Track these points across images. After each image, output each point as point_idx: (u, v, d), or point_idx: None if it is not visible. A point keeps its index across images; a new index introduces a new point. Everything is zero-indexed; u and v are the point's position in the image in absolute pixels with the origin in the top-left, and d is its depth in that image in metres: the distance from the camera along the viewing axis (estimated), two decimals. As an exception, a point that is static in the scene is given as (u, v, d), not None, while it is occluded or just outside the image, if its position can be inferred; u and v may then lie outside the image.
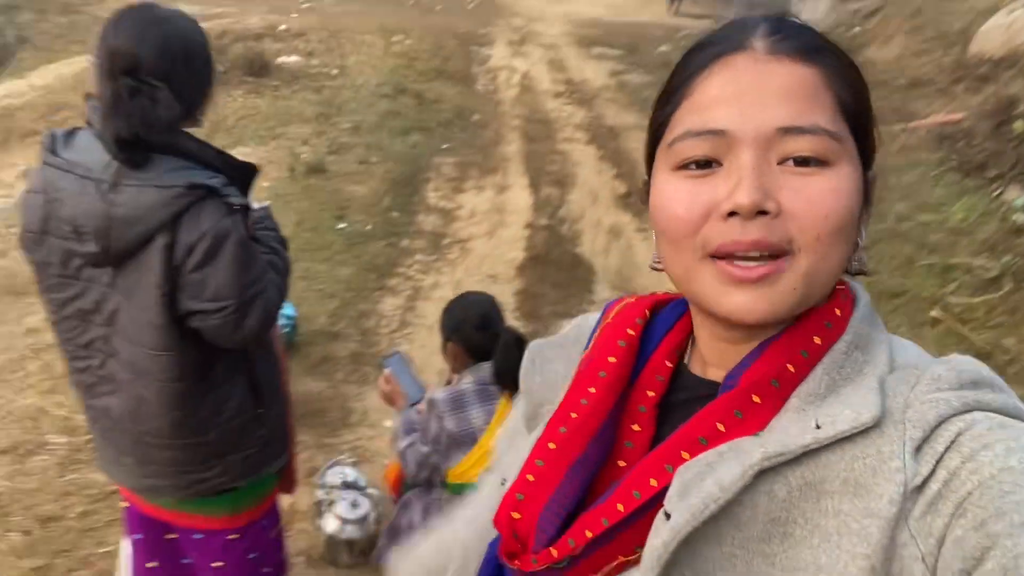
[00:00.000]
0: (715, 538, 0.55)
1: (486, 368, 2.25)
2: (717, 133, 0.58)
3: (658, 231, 0.63)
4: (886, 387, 0.57)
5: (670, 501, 0.56)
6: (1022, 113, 5.86)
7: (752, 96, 0.57)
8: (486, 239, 5.45)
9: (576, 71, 12.06)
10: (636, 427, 0.66)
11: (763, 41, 0.59)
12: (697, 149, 0.59)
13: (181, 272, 1.47)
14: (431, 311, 4.43)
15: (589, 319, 0.79)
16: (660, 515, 0.56)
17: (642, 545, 0.56)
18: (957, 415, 0.53)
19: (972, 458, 0.51)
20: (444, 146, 7.40)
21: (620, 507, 0.58)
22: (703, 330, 0.67)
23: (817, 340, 0.60)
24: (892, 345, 0.62)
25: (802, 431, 0.55)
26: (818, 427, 0.55)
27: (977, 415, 0.53)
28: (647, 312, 0.72)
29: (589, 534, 0.58)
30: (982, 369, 0.57)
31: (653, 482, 0.58)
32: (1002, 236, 4.50)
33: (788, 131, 0.56)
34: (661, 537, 0.55)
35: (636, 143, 8.27)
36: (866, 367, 0.59)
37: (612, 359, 0.68)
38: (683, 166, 0.60)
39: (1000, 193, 5.06)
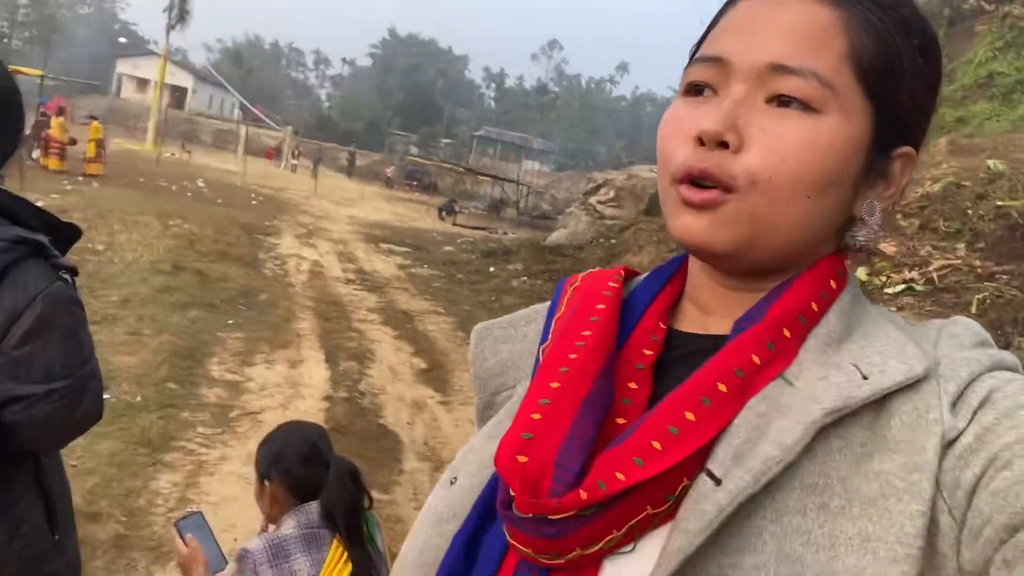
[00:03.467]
0: (748, 509, 0.50)
1: (313, 508, 1.90)
2: (717, 60, 0.58)
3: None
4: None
5: (720, 465, 0.51)
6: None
7: (757, 28, 0.57)
8: (280, 411, 4.96)
9: (366, 263, 12.27)
10: (633, 384, 0.60)
11: None
12: (700, 74, 0.59)
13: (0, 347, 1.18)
14: (217, 487, 3.83)
15: (538, 305, 0.74)
16: (704, 479, 0.51)
17: (673, 494, 0.51)
18: (987, 372, 0.53)
19: (1009, 416, 0.50)
20: (230, 321, 6.91)
21: (656, 444, 0.51)
22: (707, 278, 0.64)
23: (833, 284, 0.60)
24: (875, 305, 0.63)
25: (850, 382, 0.52)
26: (865, 377, 0.52)
27: (1007, 374, 0.53)
28: (622, 273, 0.70)
29: (621, 477, 0.51)
30: (982, 328, 0.59)
31: (689, 415, 0.52)
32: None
33: (778, 68, 0.55)
34: (715, 503, 0.49)
35: (431, 325, 8.36)
36: (864, 317, 0.59)
37: (600, 306, 0.64)
38: (688, 90, 0.60)
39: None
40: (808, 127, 0.54)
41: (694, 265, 0.65)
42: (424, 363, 6.71)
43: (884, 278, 7.89)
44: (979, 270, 7.33)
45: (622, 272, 0.70)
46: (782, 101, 0.55)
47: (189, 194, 17.00)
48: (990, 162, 9.00)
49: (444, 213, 25.70)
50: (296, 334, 6.96)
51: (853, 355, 0.55)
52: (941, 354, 0.55)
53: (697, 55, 0.60)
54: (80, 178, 15.61)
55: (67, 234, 1.40)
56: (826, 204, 0.57)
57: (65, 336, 1.24)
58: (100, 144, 17.36)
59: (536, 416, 0.56)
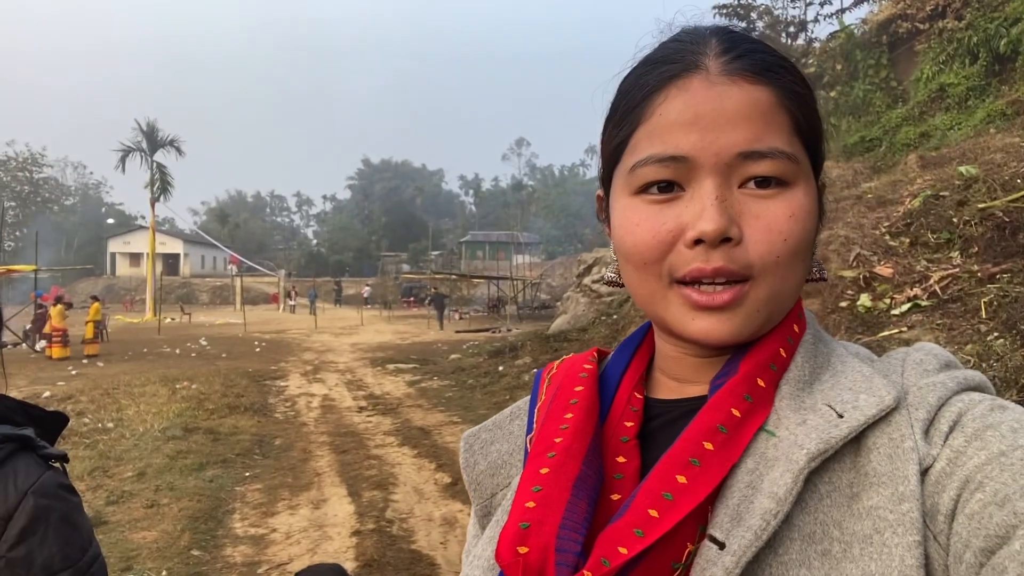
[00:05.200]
0: (754, 570, 0.50)
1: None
2: (679, 159, 0.57)
3: (622, 255, 0.62)
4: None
5: (720, 528, 0.51)
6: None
7: (710, 120, 0.57)
8: (308, 557, 4.80)
9: (376, 387, 12.19)
10: (621, 459, 0.61)
11: (716, 61, 0.58)
12: (659, 174, 0.58)
13: None
14: (254, 652, 3.64)
15: (520, 401, 0.76)
16: (707, 545, 0.51)
17: (679, 562, 0.51)
18: (955, 395, 0.55)
19: (978, 437, 0.51)
20: (247, 474, 6.78)
21: (653, 512, 0.51)
22: (676, 350, 0.65)
23: (796, 328, 0.62)
24: (837, 340, 0.64)
25: (827, 422, 0.53)
26: (840, 415, 0.53)
27: (975, 395, 0.55)
28: (595, 354, 0.71)
29: (624, 550, 0.50)
30: (946, 351, 0.61)
31: (681, 479, 0.53)
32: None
33: (748, 156, 0.56)
34: (722, 567, 0.49)
35: (450, 437, 8.22)
36: (832, 356, 0.61)
37: (579, 388, 0.65)
38: (644, 189, 0.59)
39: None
40: (790, 201, 0.57)
41: (662, 341, 0.66)
42: (448, 477, 6.55)
43: (888, 300, 7.83)
44: (979, 274, 7.29)
45: (595, 353, 0.71)
46: (759, 182, 0.57)
47: (193, 355, 17.09)
48: (962, 169, 9.13)
49: (431, 305, 26.05)
50: (315, 473, 6.82)
51: (825, 395, 0.56)
52: (908, 382, 0.56)
53: (651, 155, 0.58)
54: (84, 361, 15.75)
55: (54, 423, 1.41)
56: (810, 259, 0.61)
57: (61, 526, 1.23)
58: (98, 325, 17.61)
59: (530, 504, 0.56)
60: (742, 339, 0.58)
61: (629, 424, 0.63)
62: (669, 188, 0.58)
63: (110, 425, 8.72)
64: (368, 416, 9.66)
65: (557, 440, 0.60)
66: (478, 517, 0.70)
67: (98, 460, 7.09)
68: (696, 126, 0.57)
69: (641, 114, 0.60)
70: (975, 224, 7.96)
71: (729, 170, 0.57)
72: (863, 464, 0.52)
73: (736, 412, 0.55)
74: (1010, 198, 7.91)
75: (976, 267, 7.38)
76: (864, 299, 8.05)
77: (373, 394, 11.45)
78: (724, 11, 17.10)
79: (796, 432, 0.54)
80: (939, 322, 6.85)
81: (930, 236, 8.26)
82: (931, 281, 7.60)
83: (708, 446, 0.54)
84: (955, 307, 6.99)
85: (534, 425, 0.67)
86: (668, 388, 0.66)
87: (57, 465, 1.33)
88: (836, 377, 0.58)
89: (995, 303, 6.52)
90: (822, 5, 17.34)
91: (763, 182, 0.57)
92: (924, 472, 0.51)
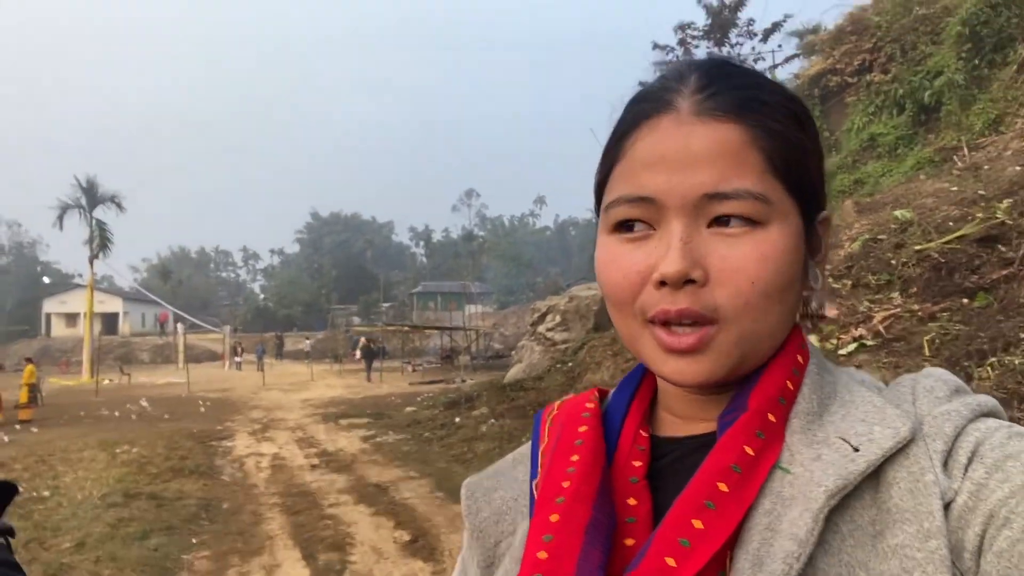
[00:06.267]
0: None
1: None
2: (646, 200, 0.58)
3: (603, 293, 0.62)
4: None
5: (742, 575, 0.49)
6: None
7: (676, 161, 0.57)
8: (263, 627, 4.56)
9: (329, 443, 11.85)
10: (632, 501, 0.59)
11: (689, 100, 0.58)
12: (629, 214, 0.59)
13: None
14: None
15: (521, 447, 0.74)
16: None
17: None
18: (970, 423, 0.54)
19: (999, 468, 0.50)
20: (194, 540, 6.46)
21: (670, 561, 0.50)
22: (682, 392, 0.64)
23: (800, 359, 0.61)
24: (840, 368, 0.63)
25: (843, 457, 0.52)
26: (856, 449, 0.52)
27: (991, 422, 0.54)
28: (596, 393, 0.70)
29: None
30: (954, 376, 0.60)
31: (697, 523, 0.51)
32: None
33: (713, 197, 0.56)
34: None
35: (408, 492, 8.01)
36: (837, 385, 0.60)
37: (583, 428, 0.64)
38: (618, 228, 0.60)
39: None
40: (760, 242, 0.56)
41: (663, 381, 0.65)
42: (408, 534, 6.36)
43: (835, 340, 8.03)
44: (920, 313, 7.55)
45: (596, 392, 0.70)
46: (727, 223, 0.56)
47: (134, 417, 16.39)
48: (897, 213, 9.54)
49: (362, 355, 25.67)
50: (267, 537, 6.54)
51: (837, 427, 0.55)
52: (922, 412, 0.55)
53: (620, 196, 0.59)
54: (17, 427, 14.95)
55: (1, 493, 1.32)
56: (792, 298, 0.60)
57: None
58: (33, 388, 16.82)
59: (542, 555, 0.54)
60: (717, 379, 0.57)
61: (637, 464, 0.61)
62: (641, 227, 0.58)
63: (46, 493, 8.25)
64: (321, 474, 9.36)
65: (565, 484, 0.59)
66: (481, 568, 0.67)
67: (33, 531, 6.67)
68: (662, 167, 0.57)
69: (617, 153, 0.61)
70: (912, 265, 8.29)
71: (696, 211, 0.56)
72: (884, 500, 0.51)
73: (749, 450, 0.54)
74: (944, 240, 8.28)
75: (916, 306, 7.66)
76: (812, 340, 8.25)
77: (326, 451, 11.12)
78: (665, 51, 17.72)
79: (812, 468, 0.53)
80: (885, 360, 7.05)
81: (871, 278, 8.57)
82: (875, 321, 7.84)
83: (723, 487, 0.52)
84: (899, 345, 7.21)
85: (538, 469, 0.65)
86: (674, 425, 0.65)
87: (1, 540, 1.24)
88: (846, 407, 0.57)
89: (937, 341, 6.75)
90: (756, 61, 18.17)
91: (731, 222, 0.56)
92: (946, 506, 0.50)
